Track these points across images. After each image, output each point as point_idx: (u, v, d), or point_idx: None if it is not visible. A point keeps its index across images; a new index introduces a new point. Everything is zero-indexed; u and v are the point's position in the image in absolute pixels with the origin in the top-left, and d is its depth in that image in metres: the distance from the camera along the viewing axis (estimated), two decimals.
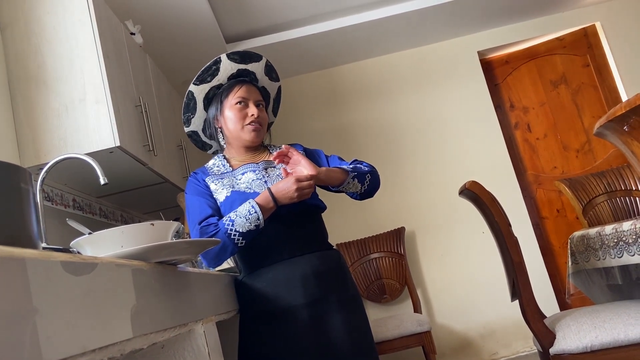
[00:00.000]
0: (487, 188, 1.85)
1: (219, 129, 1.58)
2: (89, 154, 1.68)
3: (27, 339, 0.44)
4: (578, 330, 1.64)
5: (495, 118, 3.69)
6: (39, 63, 1.86)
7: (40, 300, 0.46)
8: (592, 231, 1.82)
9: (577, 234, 1.97)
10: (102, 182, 1.58)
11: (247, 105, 1.54)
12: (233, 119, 1.53)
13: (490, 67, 3.90)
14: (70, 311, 0.51)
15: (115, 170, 2.02)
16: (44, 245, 1.47)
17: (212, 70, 1.53)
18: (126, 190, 2.37)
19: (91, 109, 1.83)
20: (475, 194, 1.80)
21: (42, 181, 1.65)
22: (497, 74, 3.90)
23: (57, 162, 1.63)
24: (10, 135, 1.80)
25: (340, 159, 1.62)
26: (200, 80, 1.54)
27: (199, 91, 1.56)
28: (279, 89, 1.72)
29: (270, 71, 1.64)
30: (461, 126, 3.69)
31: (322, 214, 1.58)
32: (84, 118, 1.82)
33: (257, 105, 1.55)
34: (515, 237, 1.82)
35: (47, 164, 1.65)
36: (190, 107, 1.58)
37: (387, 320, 2.90)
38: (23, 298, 0.44)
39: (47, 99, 1.84)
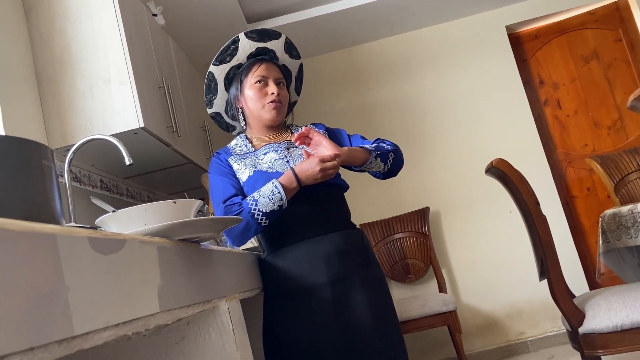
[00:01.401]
0: (516, 166, 1.81)
1: (240, 109, 1.58)
2: (114, 135, 1.70)
3: (59, 313, 0.44)
4: (608, 309, 1.60)
5: (523, 95, 3.60)
6: (63, 45, 1.88)
7: (68, 274, 0.46)
8: (625, 209, 1.76)
9: (608, 211, 1.91)
10: (127, 162, 1.60)
11: (266, 84, 1.52)
12: (253, 98, 1.52)
13: (518, 42, 3.78)
14: (95, 286, 0.51)
15: (140, 152, 2.04)
16: (72, 224, 1.50)
17: (231, 50, 1.52)
18: (151, 172, 2.40)
19: (115, 91, 1.84)
20: (502, 172, 1.76)
21: (70, 162, 1.68)
22: (526, 49, 3.78)
23: (83, 144, 1.65)
24: (38, 117, 1.83)
25: (363, 138, 1.60)
26: (220, 61, 1.53)
27: (219, 72, 1.55)
28: (301, 66, 1.69)
29: (290, 49, 1.62)
30: (488, 104, 3.61)
31: (346, 194, 1.57)
32: (109, 99, 1.83)
33: (277, 84, 1.53)
34: (544, 216, 1.78)
35: (74, 145, 1.68)
36: (211, 88, 1.58)
37: (412, 300, 2.89)
38: (52, 273, 0.44)
39: (73, 80, 1.86)
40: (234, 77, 1.57)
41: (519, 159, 3.32)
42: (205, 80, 1.57)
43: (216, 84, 1.57)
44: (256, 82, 1.51)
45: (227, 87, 1.59)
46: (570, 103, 3.68)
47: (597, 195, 3.57)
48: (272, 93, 1.51)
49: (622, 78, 3.62)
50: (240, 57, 1.54)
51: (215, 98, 1.60)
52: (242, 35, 1.52)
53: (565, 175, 3.63)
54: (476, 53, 3.67)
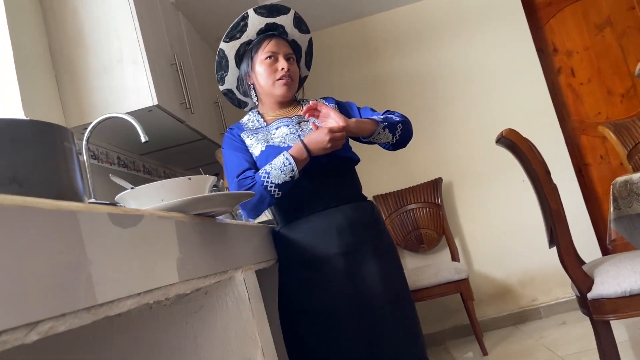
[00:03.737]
0: (529, 135, 1.81)
1: (251, 85, 1.60)
2: (128, 113, 1.74)
3: (83, 284, 0.49)
4: (617, 275, 1.62)
5: (537, 63, 3.55)
6: (77, 25, 1.91)
7: (91, 248, 0.50)
8: (636, 176, 1.77)
9: (620, 179, 1.92)
10: (142, 139, 1.64)
11: (277, 60, 1.54)
12: (264, 74, 1.53)
13: (532, 9, 3.71)
14: (116, 259, 0.56)
15: (155, 129, 2.08)
16: (92, 200, 1.55)
17: (241, 26, 1.53)
18: (167, 148, 2.44)
19: (128, 69, 1.87)
20: (511, 141, 1.77)
21: (88, 140, 1.72)
22: (541, 16, 3.71)
23: (99, 122, 1.70)
24: (55, 97, 1.88)
25: (373, 110, 1.62)
26: (230, 38, 1.55)
27: (230, 48, 1.57)
28: (310, 41, 1.70)
29: (299, 23, 1.63)
30: (501, 72, 3.57)
31: (359, 166, 1.59)
32: (122, 78, 1.87)
33: (287, 59, 1.55)
34: (554, 184, 1.80)
35: (90, 123, 1.72)
36: (222, 65, 1.60)
37: (425, 269, 2.94)
38: (76, 247, 0.48)
39: (87, 60, 1.89)
40: (245, 54, 1.59)
41: (532, 128, 3.31)
42: (216, 57, 1.59)
43: (227, 60, 1.59)
44: (266, 58, 1.53)
45: (238, 64, 1.61)
46: (584, 71, 3.63)
47: (610, 163, 3.55)
48: (282, 69, 1.52)
49: (635, 46, 3.55)
50: (250, 33, 1.56)
51: (226, 75, 1.62)
52: (251, 12, 1.53)
53: (579, 143, 3.61)
54: (489, 20, 3.61)
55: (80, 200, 0.65)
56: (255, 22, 1.54)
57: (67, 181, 0.63)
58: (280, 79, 1.52)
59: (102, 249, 0.53)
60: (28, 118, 1.61)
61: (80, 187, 0.66)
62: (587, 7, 3.65)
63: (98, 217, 0.53)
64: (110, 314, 0.55)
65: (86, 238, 0.50)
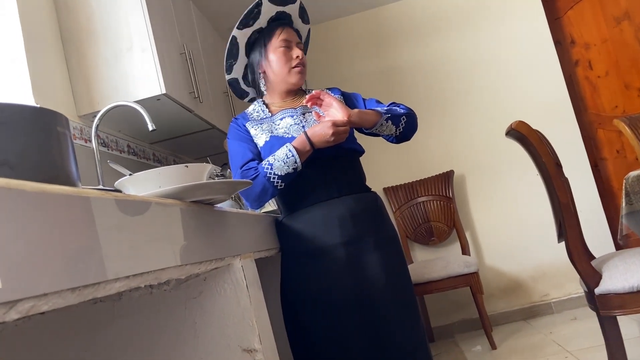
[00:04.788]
0: (544, 128, 1.79)
1: (261, 74, 1.60)
2: (137, 102, 1.75)
3: (68, 265, 0.50)
4: (625, 271, 1.60)
5: (554, 54, 3.48)
6: (87, 13, 1.93)
7: (76, 230, 0.51)
8: None
9: (632, 173, 1.88)
10: (150, 128, 1.65)
11: (290, 48, 1.55)
12: (278, 62, 1.54)
13: (550, 0, 3.64)
14: (104, 241, 0.56)
15: (163, 117, 2.10)
16: (100, 186, 1.57)
17: (254, 13, 1.53)
18: (176, 137, 2.46)
19: (137, 58, 1.89)
20: (521, 134, 1.75)
21: (97, 127, 1.74)
22: (559, 7, 3.64)
23: (108, 110, 1.71)
24: (66, 85, 1.90)
25: (378, 102, 1.61)
26: (244, 25, 1.54)
27: (242, 36, 1.56)
28: (309, 32, 1.72)
29: (303, 13, 1.64)
30: (517, 64, 3.52)
31: (370, 158, 1.58)
32: (131, 67, 1.88)
33: (298, 47, 1.56)
34: (565, 178, 1.77)
35: (99, 111, 1.74)
36: (233, 53, 1.59)
37: (434, 262, 2.93)
38: (63, 227, 0.49)
39: (97, 49, 1.91)
40: (255, 42, 1.59)
41: (547, 121, 3.27)
42: (228, 45, 1.58)
43: (238, 48, 1.58)
44: (281, 46, 1.54)
45: (248, 52, 1.61)
46: (602, 64, 3.56)
47: (626, 157, 3.48)
48: (297, 57, 1.54)
49: None
50: (262, 21, 1.55)
51: (235, 64, 1.62)
52: None
53: (595, 136, 3.55)
54: (505, 11, 3.55)
55: (73, 184, 0.66)
56: (268, 10, 1.54)
57: (60, 165, 0.64)
58: (295, 66, 1.54)
59: (88, 231, 0.53)
60: (38, 105, 1.64)
61: (73, 171, 0.67)
62: None
63: (82, 201, 0.53)
64: (97, 295, 0.56)
65: (72, 220, 0.51)
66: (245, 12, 1.53)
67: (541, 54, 3.49)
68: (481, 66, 3.55)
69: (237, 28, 1.54)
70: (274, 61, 1.54)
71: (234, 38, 1.56)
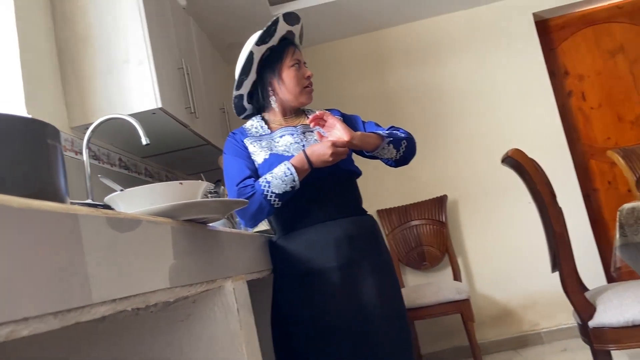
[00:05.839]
0: (537, 157, 1.78)
1: (271, 91, 1.58)
2: (132, 115, 1.72)
3: (51, 288, 0.47)
4: (620, 304, 1.58)
5: (549, 84, 3.52)
6: (85, 24, 1.91)
7: (63, 250, 0.48)
8: None
9: (626, 206, 1.88)
10: (144, 142, 1.62)
11: (300, 67, 1.57)
12: (292, 81, 1.54)
13: (546, 31, 3.69)
14: (91, 263, 0.53)
15: (157, 132, 2.07)
16: (89, 201, 1.54)
17: (272, 30, 1.53)
18: (169, 152, 2.43)
19: (134, 71, 1.86)
20: (517, 161, 1.74)
21: (89, 140, 1.71)
22: (554, 38, 3.69)
23: (101, 122, 1.69)
24: (59, 96, 1.87)
25: (377, 125, 1.60)
26: (262, 41, 1.53)
27: (257, 52, 1.55)
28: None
29: (301, 35, 1.66)
30: (512, 92, 3.54)
31: (364, 179, 1.58)
32: (127, 79, 1.86)
33: (306, 67, 1.59)
34: (559, 208, 1.76)
35: (92, 124, 1.71)
36: (247, 69, 1.56)
37: (426, 287, 2.90)
38: (49, 248, 0.46)
39: (93, 60, 1.89)
40: (267, 60, 1.57)
41: (541, 149, 3.27)
42: (244, 60, 1.54)
43: (252, 65, 1.56)
44: (293, 65, 1.55)
45: (258, 69, 1.58)
46: (595, 96, 3.60)
47: (618, 189, 3.50)
48: (308, 77, 1.57)
49: None
50: (275, 39, 1.55)
51: (246, 79, 1.58)
52: (281, 17, 1.53)
53: (588, 167, 3.57)
54: (502, 40, 3.59)
55: (61, 199, 0.63)
56: (281, 28, 1.55)
57: (48, 179, 0.61)
58: (307, 86, 1.56)
59: (74, 251, 0.50)
60: (30, 115, 1.61)
61: (62, 186, 0.64)
62: (600, 32, 3.63)
63: (70, 218, 0.50)
64: (81, 320, 0.53)
65: (57, 238, 0.48)
66: (264, 28, 1.51)
67: (536, 83, 3.52)
68: (477, 93, 3.57)
69: (256, 44, 1.53)
70: (288, 80, 1.54)
71: (252, 54, 1.53)
